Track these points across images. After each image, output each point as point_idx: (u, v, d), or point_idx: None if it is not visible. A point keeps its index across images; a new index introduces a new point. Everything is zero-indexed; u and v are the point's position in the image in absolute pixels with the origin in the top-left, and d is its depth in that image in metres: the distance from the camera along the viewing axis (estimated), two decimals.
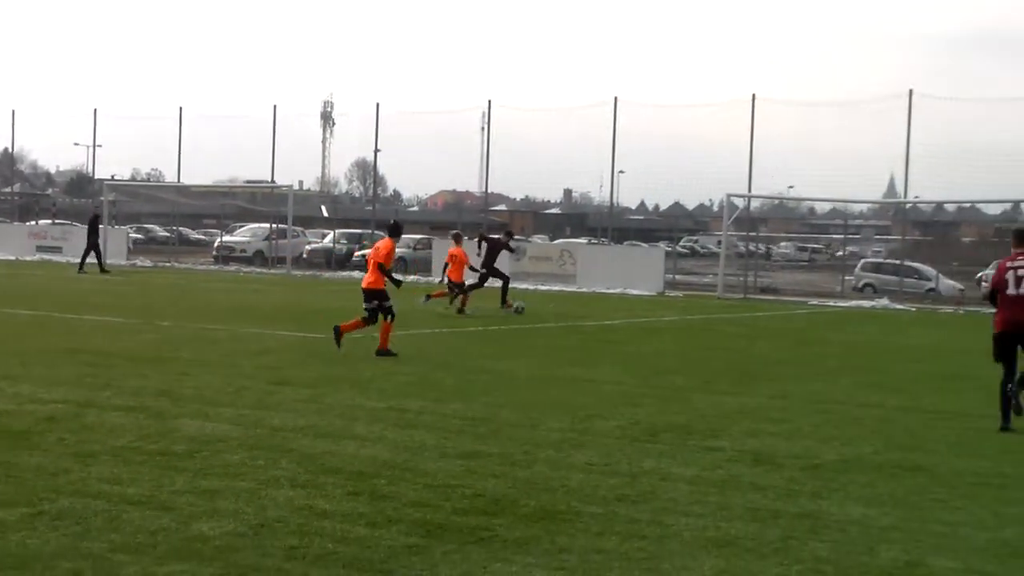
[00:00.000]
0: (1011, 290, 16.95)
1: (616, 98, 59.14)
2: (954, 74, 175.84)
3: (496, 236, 39.97)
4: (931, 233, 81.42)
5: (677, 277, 58.37)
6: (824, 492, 11.92)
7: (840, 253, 74.48)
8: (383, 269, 23.08)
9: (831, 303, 50.73)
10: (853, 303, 50.81)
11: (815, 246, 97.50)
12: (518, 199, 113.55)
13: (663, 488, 11.84)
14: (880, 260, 65.59)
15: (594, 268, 52.61)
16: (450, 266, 34.61)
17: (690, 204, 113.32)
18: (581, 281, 51.57)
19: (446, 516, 10.16)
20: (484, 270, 36.74)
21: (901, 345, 30.90)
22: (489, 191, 71.47)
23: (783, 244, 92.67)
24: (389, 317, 22.88)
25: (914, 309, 48.75)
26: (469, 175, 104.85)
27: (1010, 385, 16.77)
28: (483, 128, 66.20)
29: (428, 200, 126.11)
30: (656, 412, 16.72)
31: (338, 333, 22.53)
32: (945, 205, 74.49)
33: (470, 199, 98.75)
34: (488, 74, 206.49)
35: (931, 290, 57.08)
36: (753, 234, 63.66)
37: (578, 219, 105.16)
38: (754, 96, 56.89)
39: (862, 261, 65.46)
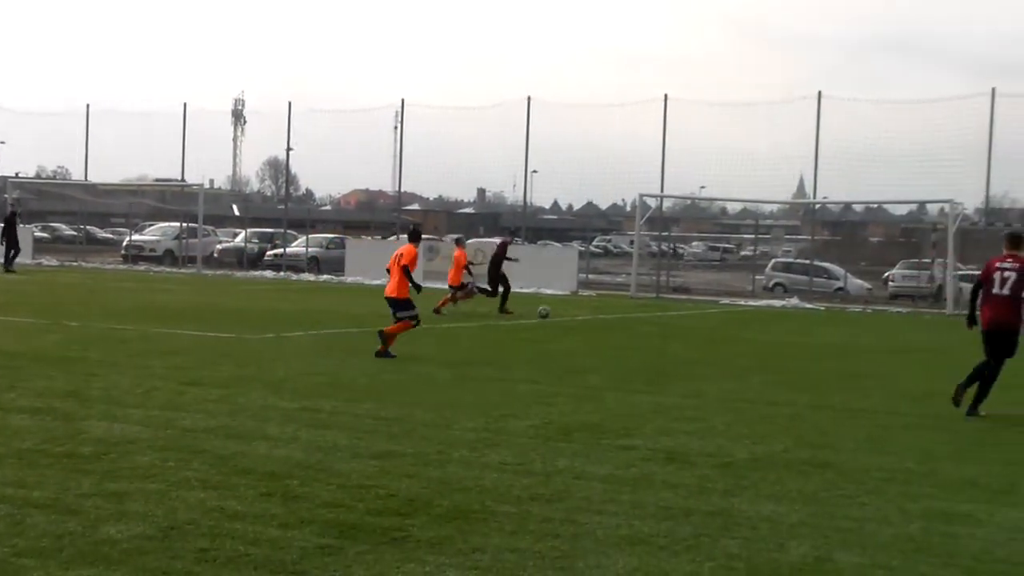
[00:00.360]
0: (996, 289, 18.08)
1: (529, 97, 59.24)
2: (861, 76, 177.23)
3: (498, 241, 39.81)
4: (839, 233, 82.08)
5: (591, 276, 58.65)
6: (735, 490, 12.01)
7: (750, 253, 75.02)
8: (407, 274, 23.57)
9: (742, 302, 51.13)
10: (764, 302, 51.27)
11: (726, 246, 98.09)
12: (431, 198, 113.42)
13: (577, 487, 11.87)
14: (790, 260, 66.07)
15: (508, 267, 52.59)
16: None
17: (603, 204, 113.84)
18: None
19: (359, 517, 10.14)
20: (490, 281, 37.17)
21: (811, 344, 31.18)
22: (402, 190, 71.44)
23: (695, 244, 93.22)
24: (415, 323, 23.71)
25: (823, 308, 49.19)
26: (382, 174, 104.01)
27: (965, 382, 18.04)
28: (396, 127, 66.21)
29: (341, 199, 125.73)
30: (570, 411, 16.77)
31: (384, 339, 23.09)
32: (853, 205, 75.11)
33: (383, 198, 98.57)
34: (402, 72, 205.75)
35: (840, 289, 57.63)
36: (665, 234, 63.86)
37: (492, 219, 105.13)
38: (666, 96, 57.08)
39: (772, 261, 65.93)
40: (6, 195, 64.30)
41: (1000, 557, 9.91)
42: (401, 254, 24.04)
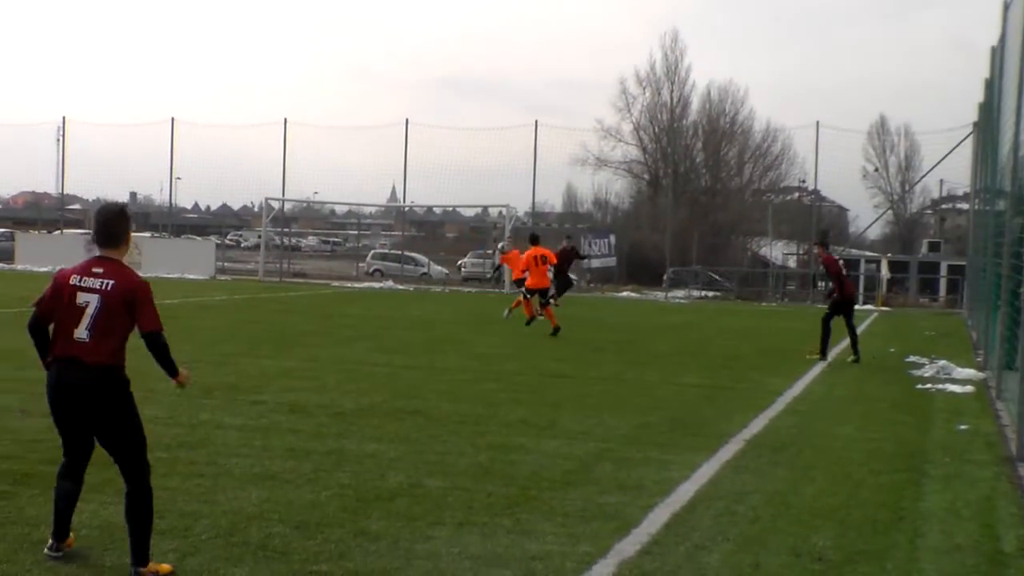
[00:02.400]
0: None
1: (173, 118, 57.83)
2: (439, 108, 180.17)
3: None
4: (424, 230, 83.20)
5: (226, 264, 57.81)
6: (346, 433, 12.04)
7: (354, 245, 75.17)
8: (554, 268, 27.39)
9: (349, 284, 51.13)
10: (366, 285, 51.45)
11: (336, 240, 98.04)
12: (91, 199, 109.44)
13: (217, 435, 11.71)
14: (386, 251, 66.69)
15: (156, 257, 51.42)
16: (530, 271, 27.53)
17: (236, 205, 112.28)
18: (146, 268, 50.19)
19: (33, 466, 9.74)
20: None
21: (403, 317, 31.43)
22: (65, 192, 68.70)
23: (310, 238, 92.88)
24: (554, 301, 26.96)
25: (412, 289, 49.73)
26: (47, 179, 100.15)
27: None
28: (58, 140, 63.58)
29: (10, 199, 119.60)
30: (210, 374, 16.47)
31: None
32: (434, 208, 76.18)
33: (48, 199, 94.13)
34: (65, 89, 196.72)
35: (424, 274, 58.49)
36: (287, 230, 63.63)
37: (143, 217, 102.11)
38: (286, 120, 56.65)
39: (372, 251, 66.45)
40: None
41: (545, 476, 10.23)
42: (547, 254, 27.26)
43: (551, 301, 27.03)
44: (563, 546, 7.96)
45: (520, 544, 7.98)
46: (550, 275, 27.48)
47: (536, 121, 53.69)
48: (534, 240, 27.96)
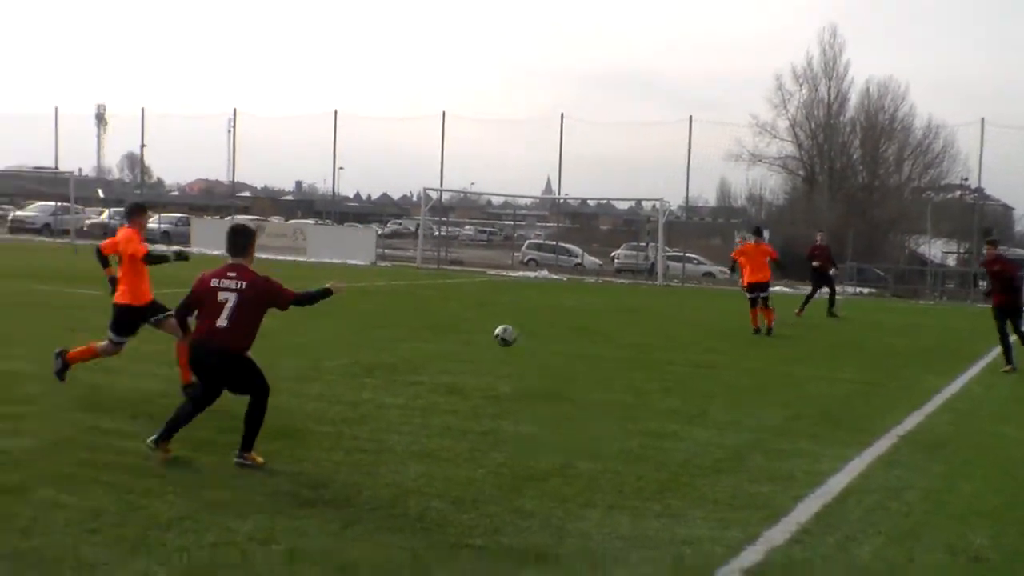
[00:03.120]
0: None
1: (336, 111, 58.73)
2: (592, 103, 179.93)
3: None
4: (578, 222, 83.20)
5: (386, 251, 58.46)
6: (502, 415, 12.20)
7: (510, 235, 75.53)
8: (774, 264, 24.76)
9: (504, 273, 51.41)
10: (520, 274, 51.70)
11: (492, 229, 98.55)
12: (259, 187, 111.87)
13: (378, 414, 11.97)
14: (541, 241, 66.80)
15: (320, 243, 52.32)
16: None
17: (396, 195, 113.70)
18: (310, 253, 51.24)
19: (211, 435, 10.08)
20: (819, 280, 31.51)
21: (556, 306, 31.53)
22: (236, 180, 70.33)
23: (467, 227, 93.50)
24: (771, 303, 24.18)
25: (566, 279, 49.76)
26: (219, 167, 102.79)
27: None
28: (230, 131, 65.10)
29: (186, 186, 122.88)
30: (371, 355, 16.80)
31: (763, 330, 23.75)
32: (588, 201, 76.20)
33: (220, 187, 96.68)
34: (235, 82, 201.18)
35: (578, 264, 58.53)
36: (444, 219, 64.21)
37: (307, 204, 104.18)
38: (444, 113, 57.12)
39: (527, 242, 66.62)
40: None
41: (696, 463, 10.26)
42: (766, 248, 24.99)
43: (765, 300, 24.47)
44: (712, 531, 7.99)
45: (670, 528, 8.03)
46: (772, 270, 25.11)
47: (691, 116, 53.23)
48: (758, 233, 26.20)
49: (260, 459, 9.17)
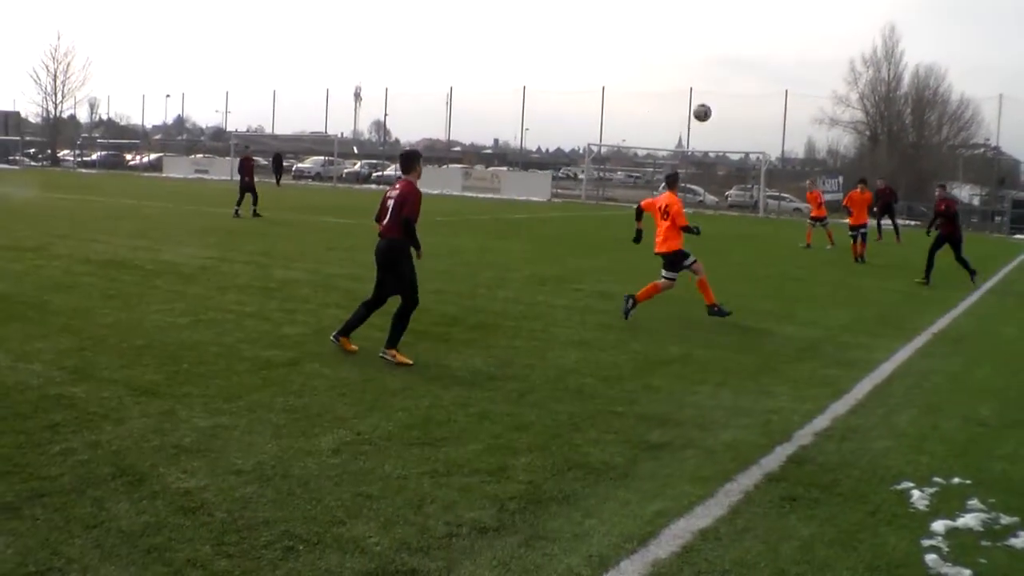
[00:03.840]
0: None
1: (524, 87, 58.69)
2: (714, 78, 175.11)
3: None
4: (701, 169, 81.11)
5: (559, 191, 58.26)
6: (640, 315, 11.86)
7: (650, 179, 74.51)
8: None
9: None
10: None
11: (637, 174, 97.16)
12: (467, 144, 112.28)
13: (549, 311, 11.99)
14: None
15: (511, 185, 52.43)
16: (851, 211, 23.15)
17: (567, 148, 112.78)
18: (504, 192, 51.42)
19: (425, 327, 10.19)
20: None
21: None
22: (451, 139, 71.02)
23: (619, 173, 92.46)
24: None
25: (692, 211, 48.59)
26: (439, 129, 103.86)
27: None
28: (447, 103, 65.55)
29: (415, 143, 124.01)
30: (545, 268, 16.83)
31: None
32: (708, 153, 74.50)
33: (439, 144, 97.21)
34: (451, 65, 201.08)
35: (701, 200, 57.50)
36: (602, 167, 63.82)
37: (502, 156, 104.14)
38: (604, 88, 56.69)
39: (662, 183, 65.49)
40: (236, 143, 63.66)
41: (783, 352, 10.00)
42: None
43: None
44: (793, 403, 7.82)
45: (761, 401, 7.88)
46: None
47: (786, 90, 52.32)
48: (863, 182, 24.10)
49: (402, 357, 8.50)
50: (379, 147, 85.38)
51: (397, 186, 8.80)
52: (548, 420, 6.93)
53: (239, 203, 26.23)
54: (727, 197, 60.91)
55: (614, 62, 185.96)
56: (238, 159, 29.74)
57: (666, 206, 12.23)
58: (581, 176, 62.38)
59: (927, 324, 12.75)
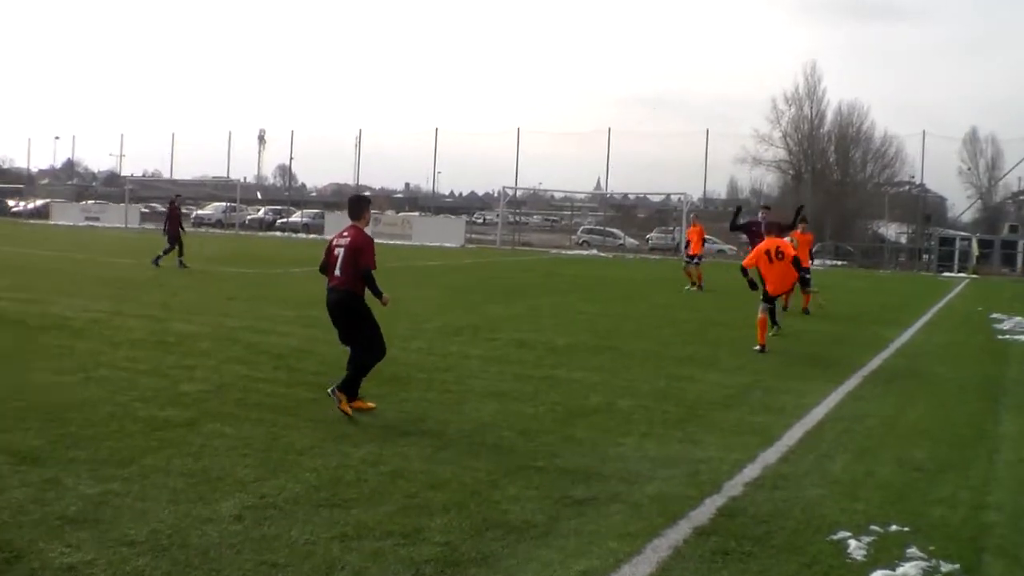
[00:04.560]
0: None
1: (436, 128, 58.84)
2: (632, 118, 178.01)
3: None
4: (620, 211, 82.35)
5: (473, 236, 58.45)
6: (559, 364, 12.06)
7: (567, 222, 75.19)
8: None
9: (564, 252, 51.21)
10: (576, 252, 51.43)
11: (554, 218, 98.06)
12: (377, 188, 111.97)
13: (463, 363, 11.90)
14: (592, 227, 66.46)
15: (423, 231, 52.45)
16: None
17: (480, 192, 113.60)
18: (415, 239, 51.38)
19: (406, 370, 10.02)
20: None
21: (603, 276, 31.36)
22: (360, 183, 70.79)
23: (535, 216, 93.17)
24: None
25: (611, 256, 49.45)
26: (347, 172, 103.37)
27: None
28: (356, 144, 65.42)
29: (321, 188, 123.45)
30: (460, 318, 16.76)
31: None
32: (628, 195, 75.60)
33: (347, 188, 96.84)
34: (359, 107, 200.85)
35: (621, 244, 58.24)
36: (518, 211, 64.23)
37: (413, 200, 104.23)
38: (519, 129, 57.20)
39: (581, 227, 66.30)
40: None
41: (709, 399, 10.08)
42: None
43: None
44: (721, 453, 7.85)
45: (688, 451, 7.90)
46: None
47: (707, 129, 53.57)
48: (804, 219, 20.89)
49: (347, 406, 8.51)
50: (284, 192, 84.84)
51: (345, 234, 8.68)
52: (465, 477, 6.83)
53: (180, 252, 26.28)
54: (648, 240, 61.79)
55: (529, 102, 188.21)
56: (167, 207, 29.39)
57: (778, 248, 14.04)
58: (496, 220, 62.77)
59: (858, 365, 12.98)
